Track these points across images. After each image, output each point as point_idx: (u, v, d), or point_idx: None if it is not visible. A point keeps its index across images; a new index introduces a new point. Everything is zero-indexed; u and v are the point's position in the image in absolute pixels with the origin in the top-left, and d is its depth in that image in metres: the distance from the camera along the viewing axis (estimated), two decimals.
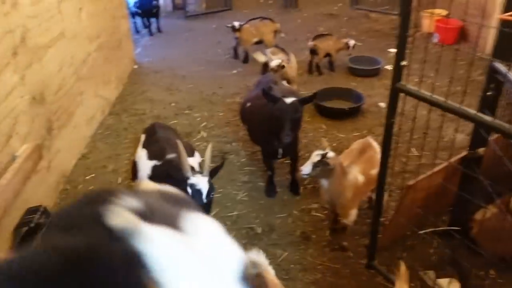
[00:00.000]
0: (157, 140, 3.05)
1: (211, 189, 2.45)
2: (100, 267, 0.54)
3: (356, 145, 3.55)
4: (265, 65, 4.53)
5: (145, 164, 2.95)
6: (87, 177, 4.16)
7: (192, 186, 2.43)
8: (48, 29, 3.75)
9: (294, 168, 3.85)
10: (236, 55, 7.05)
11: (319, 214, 3.67)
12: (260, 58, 4.64)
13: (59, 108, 3.95)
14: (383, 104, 5.40)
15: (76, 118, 4.36)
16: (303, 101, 3.46)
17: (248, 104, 3.85)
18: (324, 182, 3.11)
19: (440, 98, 2.18)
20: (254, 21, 6.84)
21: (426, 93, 2.25)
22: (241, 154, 4.47)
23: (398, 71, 2.37)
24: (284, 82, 4.44)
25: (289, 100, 3.27)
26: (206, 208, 2.40)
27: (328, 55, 6.30)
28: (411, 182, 2.78)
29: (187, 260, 0.58)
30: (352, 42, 6.26)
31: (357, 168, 3.23)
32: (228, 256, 0.68)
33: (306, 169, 3.02)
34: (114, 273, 0.53)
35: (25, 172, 3.06)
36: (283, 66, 4.69)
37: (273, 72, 4.47)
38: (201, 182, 2.43)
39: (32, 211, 3.20)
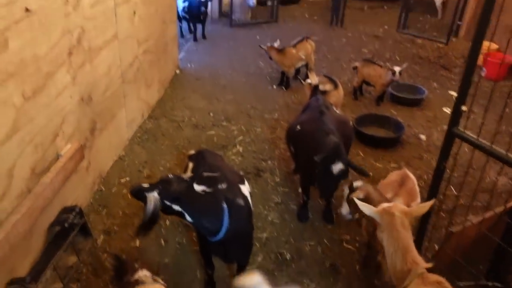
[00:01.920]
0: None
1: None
2: None
3: (394, 176, 3.44)
4: (314, 88, 4.40)
5: None
6: (122, 180, 4.19)
7: None
8: (102, 31, 3.81)
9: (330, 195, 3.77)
10: (283, 82, 6.37)
11: (350, 247, 3.57)
12: (313, 79, 4.53)
13: (104, 110, 4.01)
14: (423, 137, 5.27)
15: (118, 120, 4.41)
16: (352, 168, 3.43)
17: (298, 128, 3.78)
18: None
19: (501, 151, 2.08)
20: (300, 42, 6.26)
21: (485, 142, 2.15)
22: (276, 174, 4.41)
23: (456, 115, 2.28)
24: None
25: (337, 167, 3.26)
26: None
27: (369, 84, 6.01)
28: (455, 229, 2.67)
29: None
30: (397, 69, 5.60)
31: (400, 200, 3.13)
32: None
33: (344, 210, 2.90)
34: None
35: (66, 172, 3.10)
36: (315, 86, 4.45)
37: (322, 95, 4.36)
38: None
39: (67, 210, 3.24)
